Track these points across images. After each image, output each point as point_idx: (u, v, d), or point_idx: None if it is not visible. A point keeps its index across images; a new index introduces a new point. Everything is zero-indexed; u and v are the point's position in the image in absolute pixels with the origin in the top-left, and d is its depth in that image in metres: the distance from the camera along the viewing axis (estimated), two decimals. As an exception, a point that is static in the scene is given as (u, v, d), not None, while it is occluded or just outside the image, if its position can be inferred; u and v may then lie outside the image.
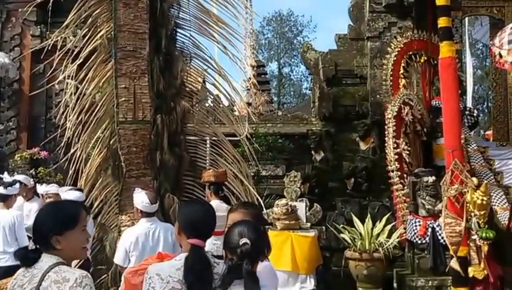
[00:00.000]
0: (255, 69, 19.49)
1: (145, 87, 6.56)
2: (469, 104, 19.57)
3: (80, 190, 5.95)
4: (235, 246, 2.24)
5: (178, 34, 7.41)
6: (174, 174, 6.74)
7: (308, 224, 6.74)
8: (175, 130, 6.87)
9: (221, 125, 7.95)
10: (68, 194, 5.62)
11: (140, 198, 4.66)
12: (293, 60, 36.15)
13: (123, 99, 6.40)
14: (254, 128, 9.37)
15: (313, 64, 10.63)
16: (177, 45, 7.41)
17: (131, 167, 6.42)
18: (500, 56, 6.19)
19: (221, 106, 8.02)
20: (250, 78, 19.27)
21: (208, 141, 7.69)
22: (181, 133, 7.06)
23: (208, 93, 8.45)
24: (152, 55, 6.64)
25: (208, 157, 7.59)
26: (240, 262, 2.18)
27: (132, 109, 6.60)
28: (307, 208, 6.91)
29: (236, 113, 9.08)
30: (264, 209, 6.72)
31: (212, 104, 8.38)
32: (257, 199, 6.95)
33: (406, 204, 7.26)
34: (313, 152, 9.71)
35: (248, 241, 2.21)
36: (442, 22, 5.85)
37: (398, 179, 7.50)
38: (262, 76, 23.14)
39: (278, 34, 36.54)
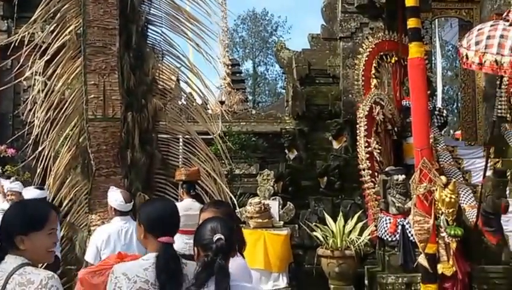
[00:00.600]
0: (229, 67, 19.47)
1: (115, 84, 6.46)
2: (439, 104, 19.96)
3: (41, 188, 5.82)
4: (209, 242, 2.21)
5: (149, 30, 7.33)
6: (145, 172, 6.66)
7: (281, 222, 6.76)
8: (146, 128, 6.79)
9: (194, 123, 7.91)
10: (28, 192, 5.49)
11: (115, 196, 4.60)
12: (268, 59, 36.26)
13: (92, 96, 6.29)
14: (228, 127, 9.35)
15: (286, 63, 10.67)
16: (148, 42, 7.33)
17: (101, 166, 6.31)
18: (467, 57, 6.32)
19: (194, 104, 7.98)
20: (224, 76, 19.30)
21: (180, 139, 7.64)
22: (152, 131, 6.98)
23: (181, 91, 8.39)
24: (122, 52, 6.53)
25: (180, 156, 7.54)
26: (215, 258, 2.15)
27: (102, 106, 6.50)
28: (280, 207, 6.93)
29: (210, 111, 9.05)
30: (237, 208, 6.72)
31: (185, 102, 8.33)
32: (230, 198, 6.94)
33: (376, 202, 7.37)
34: (286, 151, 9.74)
35: (222, 237, 2.20)
36: (411, 22, 5.92)
37: (369, 177, 7.60)
38: (237, 75, 23.13)
39: (252, 33, 36.56)
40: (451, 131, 24.94)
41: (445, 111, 12.64)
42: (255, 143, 9.20)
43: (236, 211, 6.62)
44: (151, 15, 7.22)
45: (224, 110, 10.17)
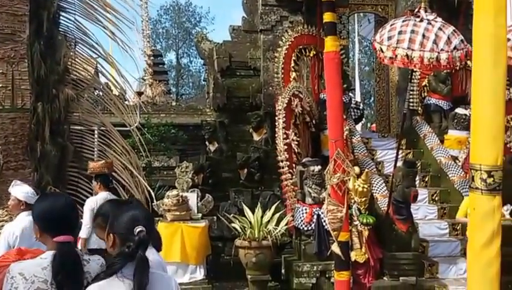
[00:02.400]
0: (151, 58, 19.06)
1: (24, 72, 6.23)
2: (357, 98, 20.75)
3: None
4: (130, 233, 2.13)
5: (62, 17, 7.02)
6: (56, 165, 6.42)
7: (200, 215, 6.72)
8: (58, 119, 6.54)
9: (111, 115, 7.66)
10: None
11: (24, 189, 4.35)
12: (191, 50, 35.77)
13: (0, 85, 6.01)
14: (146, 119, 9.15)
15: (207, 54, 10.59)
16: (60, 29, 7.02)
17: (9, 159, 6.05)
18: (381, 51, 6.59)
19: (110, 95, 7.72)
20: (146, 67, 18.87)
21: (95, 131, 7.38)
22: (65, 122, 6.72)
23: (98, 82, 8.10)
24: (32, 39, 6.27)
25: (96, 148, 7.29)
26: (137, 250, 2.09)
27: (10, 96, 6.25)
28: (199, 199, 6.89)
29: (128, 102, 8.80)
30: (155, 201, 6.60)
31: (101, 93, 8.05)
32: (148, 191, 6.81)
33: (294, 193, 7.52)
34: (207, 143, 9.69)
35: (144, 229, 2.14)
36: (327, 17, 6.07)
37: (287, 168, 7.74)
38: (160, 66, 22.68)
39: (176, 24, 35.99)
40: (369, 124, 26.06)
41: (362, 104, 13.11)
42: (174, 135, 9.06)
43: (153, 204, 6.51)
44: (64, 1, 6.95)
45: (143, 102, 9.95)
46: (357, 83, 23.04)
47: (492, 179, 2.76)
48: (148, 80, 17.28)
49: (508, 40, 7.07)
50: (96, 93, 8.04)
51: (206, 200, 6.90)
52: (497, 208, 2.76)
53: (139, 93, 7.93)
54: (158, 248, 2.62)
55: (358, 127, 17.58)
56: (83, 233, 5.67)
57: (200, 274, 6.22)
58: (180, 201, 6.31)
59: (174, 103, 12.13)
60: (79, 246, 5.57)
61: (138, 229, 2.13)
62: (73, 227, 2.46)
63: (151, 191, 6.51)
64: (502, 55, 2.69)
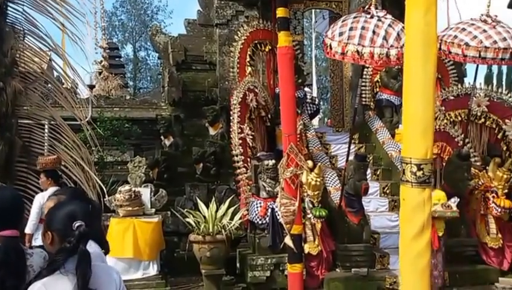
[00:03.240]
0: (107, 51, 18.67)
1: (-32, 65, 5.95)
2: (314, 93, 21.00)
3: None
4: (68, 228, 2.13)
5: (9, 8, 6.80)
6: (4, 160, 6.22)
7: (153, 210, 6.65)
8: (5, 113, 6.33)
9: (62, 109, 7.47)
10: None
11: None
12: (149, 43, 35.21)
13: None
14: (99, 113, 8.95)
15: (162, 48, 10.46)
16: (7, 20, 6.79)
17: (-47, 154, 5.79)
18: (331, 47, 6.70)
19: (61, 88, 7.53)
20: (101, 60, 18.46)
21: (46, 126, 7.20)
22: (12, 116, 6.51)
23: (49, 75, 7.88)
24: (-23, 31, 6.01)
25: (46, 143, 7.11)
26: (78, 244, 2.08)
27: (-46, 89, 5.98)
28: (152, 194, 6.81)
29: (80, 96, 8.58)
30: (106, 196, 6.49)
31: (52, 86, 7.83)
32: (99, 186, 6.70)
33: (249, 187, 7.55)
34: (162, 137, 9.59)
35: (83, 223, 2.13)
36: (280, 12, 6.10)
37: (242, 162, 7.76)
38: (116, 59, 22.25)
39: (132, 17, 35.36)
40: (326, 119, 26.44)
41: (317, 100, 13.27)
42: (128, 129, 8.90)
43: (105, 199, 6.41)
44: (11, -9, 6.70)
45: (95, 96, 9.74)
46: (313, 79, 23.31)
47: (422, 172, 2.80)
48: (104, 74, 16.93)
49: (455, 37, 7.37)
50: (48, 87, 7.82)
51: (159, 195, 6.83)
52: (427, 201, 2.81)
53: (91, 87, 7.74)
54: (103, 245, 2.60)
55: (315, 121, 17.87)
56: (28, 229, 5.53)
57: (153, 270, 6.17)
58: (132, 196, 6.23)
59: (128, 97, 11.89)
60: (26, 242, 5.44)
61: (77, 224, 2.13)
62: (19, 220, 2.43)
63: (102, 186, 6.39)
64: (432, 52, 2.74)
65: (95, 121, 7.80)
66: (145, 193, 6.60)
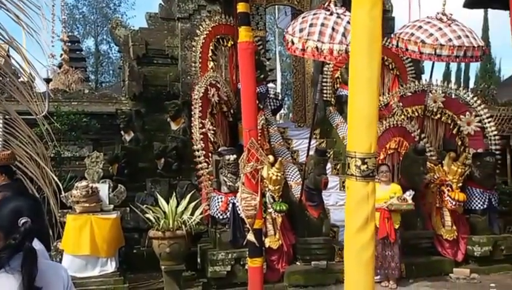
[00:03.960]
0: (67, 44, 18.21)
1: None
2: (278, 89, 21.07)
3: None
4: (13, 225, 2.08)
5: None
6: (-46, 156, 5.97)
7: (111, 206, 6.54)
8: (-45, 107, 6.08)
9: (17, 103, 7.23)
10: None
11: None
12: (111, 37, 34.55)
13: None
14: (56, 107, 8.71)
15: (122, 41, 10.26)
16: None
17: None
18: (292, 43, 6.75)
19: (15, 81, 7.28)
20: (61, 53, 17.98)
21: (0, 120, 6.96)
22: (-38, 110, 6.27)
23: (3, 68, 7.61)
24: None
25: (0, 138, 6.88)
26: (24, 241, 2.03)
27: None
28: (110, 189, 6.70)
29: (37, 90, 8.33)
30: (63, 192, 6.33)
31: (7, 80, 7.57)
32: (55, 182, 6.52)
33: (210, 182, 7.53)
34: (122, 132, 9.42)
35: (28, 219, 2.09)
36: (240, 7, 6.10)
37: (203, 157, 7.73)
38: (77, 52, 21.73)
39: (94, 9, 34.59)
40: (291, 114, 26.57)
41: (280, 95, 13.34)
42: (87, 124, 8.70)
43: (61, 195, 6.26)
44: (-41, -22, 6.41)
45: (52, 89, 9.48)
46: (278, 75, 23.41)
47: (366, 166, 2.84)
48: (64, 67, 16.49)
49: (412, 34, 7.52)
50: (2, 81, 7.55)
51: (118, 191, 6.72)
52: (371, 194, 2.86)
53: (47, 80, 7.52)
54: (45, 242, 2.54)
55: (278, 117, 17.94)
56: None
57: (111, 267, 6.07)
58: (89, 192, 6.11)
59: (87, 91, 11.61)
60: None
61: (23, 220, 2.09)
62: None
63: (58, 182, 6.23)
64: (377, 48, 2.77)
65: (52, 115, 7.57)
66: (103, 188, 6.48)
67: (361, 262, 2.79)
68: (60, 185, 6.11)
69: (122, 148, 9.11)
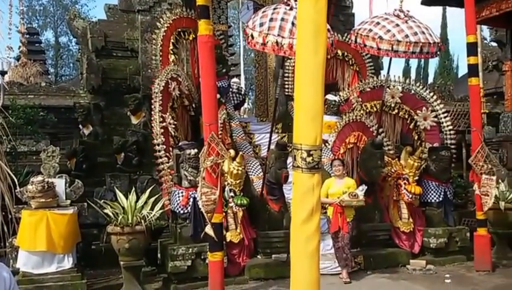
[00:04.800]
0: (26, 36, 17.66)
1: None
2: (242, 84, 21.03)
3: None
4: None
5: None
6: None
7: (68, 201, 6.40)
8: None
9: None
10: None
11: None
12: (69, 28, 33.55)
13: None
14: (12, 100, 8.45)
15: (81, 33, 10.03)
16: None
17: None
18: (253, 37, 6.75)
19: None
20: (19, 45, 17.41)
21: (-49, 114, 6.71)
22: None
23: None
24: None
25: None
26: None
27: None
28: (67, 185, 6.55)
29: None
30: (18, 187, 6.15)
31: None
32: (10, 177, 6.33)
33: (170, 176, 7.47)
34: (80, 126, 9.23)
35: None
36: (200, 0, 6.06)
37: (163, 152, 7.66)
38: (36, 44, 21.08)
39: (53, 1, 33.66)
40: (255, 109, 26.55)
41: (243, 90, 13.32)
42: (43, 118, 8.47)
43: (16, 191, 6.08)
44: None
45: (7, 82, 9.18)
46: (242, 69, 23.35)
47: (311, 158, 2.86)
48: (22, 60, 16.00)
49: (370, 30, 7.64)
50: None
51: (75, 186, 6.57)
52: (317, 186, 2.89)
53: (2, 73, 7.26)
54: None
55: (243, 112, 17.91)
56: None
57: (68, 263, 5.94)
58: (45, 187, 5.95)
59: (44, 84, 11.30)
60: None
61: None
62: None
63: (14, 177, 6.05)
64: (322, 40, 2.80)
65: (7, 109, 7.35)
66: (60, 183, 6.32)
67: (307, 253, 2.84)
68: (15, 179, 5.94)
69: (81, 143, 8.94)
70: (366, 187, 7.28)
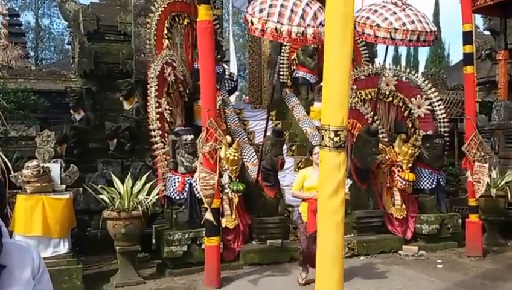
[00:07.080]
0: (6, 18, 17.25)
1: None
2: (233, 70, 20.92)
3: None
4: None
5: None
6: None
7: (63, 186, 6.32)
8: None
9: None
10: None
11: None
12: (53, 10, 32.77)
13: None
14: (2, 84, 8.28)
15: (72, 16, 9.84)
16: None
17: None
18: (252, 23, 6.69)
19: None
20: (0, 27, 17.02)
21: None
22: None
23: None
24: None
25: None
26: None
27: None
28: (62, 170, 6.46)
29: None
30: (12, 172, 6.06)
31: None
32: (4, 162, 6.23)
33: (166, 162, 7.43)
34: (72, 111, 9.09)
35: None
36: (199, -16, 5.99)
37: (159, 138, 7.60)
38: (16, 27, 20.61)
39: (34, -20, 32.84)
40: (243, 96, 26.48)
41: (236, 76, 13.26)
42: (35, 102, 8.31)
43: (11, 175, 5.99)
44: None
45: (-2, 65, 9.02)
46: (232, 55, 23.19)
47: (338, 137, 3.11)
48: (3, 42, 15.63)
49: (368, 18, 7.63)
50: None
51: (70, 171, 6.49)
52: (342, 163, 3.14)
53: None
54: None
55: (232, 98, 17.85)
56: None
57: (64, 248, 5.89)
58: (41, 172, 5.86)
59: (34, 68, 11.08)
60: None
61: None
62: None
63: (7, 162, 5.96)
64: (349, 32, 3.01)
65: (-3, 92, 7.22)
66: (55, 168, 6.24)
67: (333, 224, 3.10)
68: (10, 165, 5.85)
69: (72, 128, 8.80)
70: (351, 182, 7.28)
